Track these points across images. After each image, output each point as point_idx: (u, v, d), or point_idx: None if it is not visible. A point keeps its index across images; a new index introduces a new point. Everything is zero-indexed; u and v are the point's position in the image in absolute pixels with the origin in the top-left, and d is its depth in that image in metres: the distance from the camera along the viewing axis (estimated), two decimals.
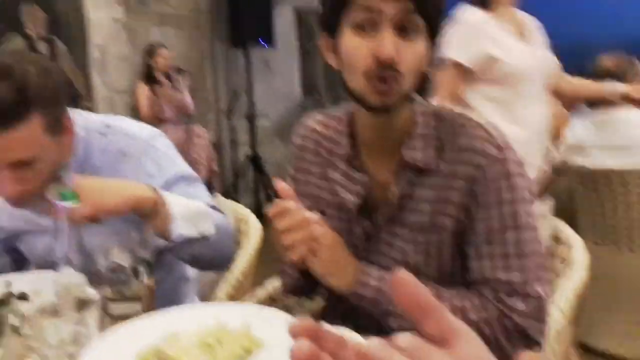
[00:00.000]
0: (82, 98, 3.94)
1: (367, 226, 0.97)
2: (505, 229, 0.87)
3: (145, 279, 0.85)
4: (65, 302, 0.78)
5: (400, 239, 0.94)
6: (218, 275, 1.46)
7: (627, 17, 5.19)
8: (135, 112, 4.16)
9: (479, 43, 1.76)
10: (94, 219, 0.88)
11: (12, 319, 0.75)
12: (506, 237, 0.87)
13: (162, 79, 4.15)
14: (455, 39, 1.77)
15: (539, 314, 0.86)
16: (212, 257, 1.10)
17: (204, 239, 1.02)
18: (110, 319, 0.83)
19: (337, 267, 0.89)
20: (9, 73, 0.89)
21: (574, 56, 2.28)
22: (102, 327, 0.80)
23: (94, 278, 0.84)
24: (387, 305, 0.88)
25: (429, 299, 0.34)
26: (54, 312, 0.76)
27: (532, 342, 0.87)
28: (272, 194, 4.90)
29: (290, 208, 0.84)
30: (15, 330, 0.73)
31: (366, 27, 0.83)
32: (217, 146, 5.10)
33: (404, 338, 0.33)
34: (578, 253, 1.17)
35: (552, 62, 1.97)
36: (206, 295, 1.33)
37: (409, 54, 0.83)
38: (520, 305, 0.85)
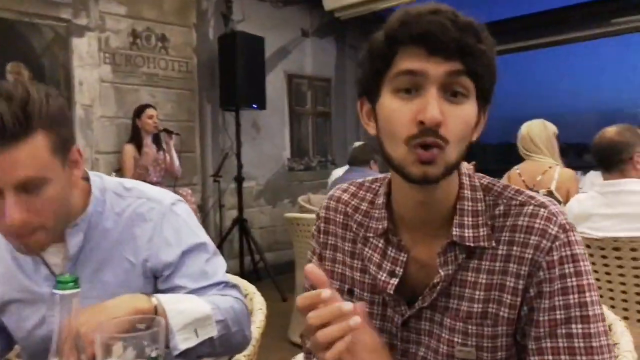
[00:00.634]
0: None
1: (404, 311, 0.85)
2: (572, 320, 0.76)
3: None
4: None
5: (445, 328, 0.82)
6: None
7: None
8: (119, 174, 4.03)
9: None
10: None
11: None
12: (572, 330, 0.76)
13: (148, 140, 4.06)
14: None
15: None
16: (223, 349, 1.02)
17: (208, 340, 0.96)
18: None
19: None
20: (10, 92, 0.87)
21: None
22: None
23: None
24: None
25: None
26: None
27: None
28: (258, 259, 4.81)
29: (325, 297, 0.71)
30: None
31: (409, 90, 0.75)
32: (202, 208, 4.96)
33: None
34: (624, 339, 1.06)
35: None
36: None
37: (456, 118, 0.74)
38: None
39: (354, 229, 0.92)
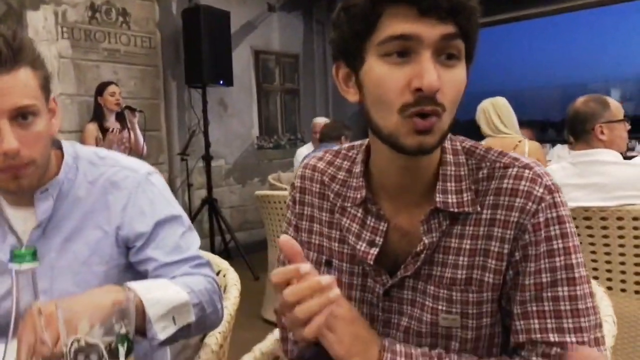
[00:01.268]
0: None
1: (385, 281, 0.82)
2: (558, 283, 0.74)
3: None
4: None
5: (429, 296, 0.80)
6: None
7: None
8: None
9: None
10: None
11: None
12: (559, 293, 0.74)
13: (112, 119, 3.92)
14: None
15: None
16: (198, 330, 1.01)
17: (186, 326, 0.94)
18: None
19: (359, 347, 0.73)
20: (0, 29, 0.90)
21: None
22: None
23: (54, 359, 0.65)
24: None
25: None
26: None
27: None
28: (229, 238, 4.75)
29: (303, 272, 0.67)
30: None
31: (401, 53, 0.69)
32: (170, 188, 4.85)
33: None
34: (603, 304, 1.06)
35: None
36: None
37: (451, 83, 0.70)
38: None
39: (331, 199, 0.88)
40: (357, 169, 0.85)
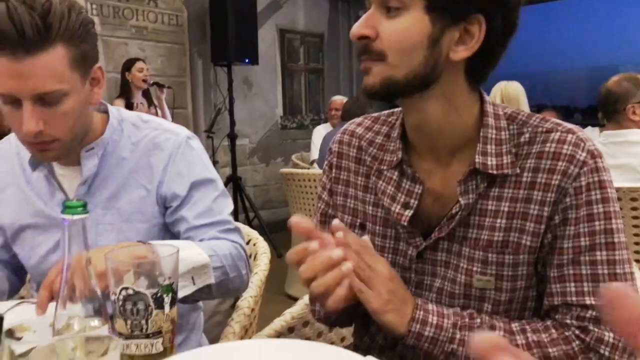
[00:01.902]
0: None
1: (419, 243, 0.83)
2: (596, 247, 0.74)
3: (168, 309, 0.69)
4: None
5: (463, 258, 0.80)
6: (224, 302, 1.30)
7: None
8: None
9: None
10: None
11: None
12: (597, 257, 0.74)
13: (139, 96, 3.96)
14: None
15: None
16: (220, 293, 1.04)
17: (206, 287, 0.96)
18: None
19: (395, 303, 0.75)
20: (33, 1, 0.86)
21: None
22: None
23: (103, 309, 0.67)
24: (447, 344, 0.75)
25: None
26: (53, 355, 0.59)
27: None
28: (253, 216, 4.79)
29: (313, 249, 0.71)
30: None
31: None
32: None
33: None
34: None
35: None
36: (216, 325, 1.16)
37: (391, 31, 0.73)
38: (608, 336, 0.73)
39: (367, 163, 0.89)
40: (395, 132, 0.86)
